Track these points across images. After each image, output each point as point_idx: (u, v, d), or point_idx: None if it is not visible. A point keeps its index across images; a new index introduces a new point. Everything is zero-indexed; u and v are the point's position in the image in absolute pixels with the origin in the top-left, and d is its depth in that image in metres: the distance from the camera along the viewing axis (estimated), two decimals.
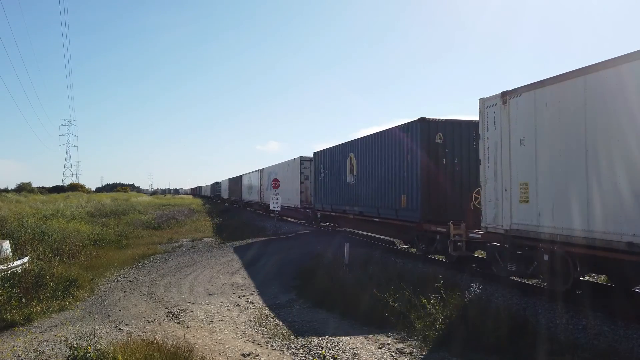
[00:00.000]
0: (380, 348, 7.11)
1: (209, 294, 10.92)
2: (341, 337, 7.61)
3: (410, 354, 6.85)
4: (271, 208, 24.92)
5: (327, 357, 6.70)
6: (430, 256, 13.29)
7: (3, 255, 12.02)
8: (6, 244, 12.79)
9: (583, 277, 8.49)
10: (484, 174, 9.80)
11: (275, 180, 26.07)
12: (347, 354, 6.87)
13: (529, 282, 9.97)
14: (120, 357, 5.52)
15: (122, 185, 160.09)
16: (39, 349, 6.87)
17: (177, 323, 8.56)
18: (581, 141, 7.40)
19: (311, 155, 24.45)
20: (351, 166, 17.75)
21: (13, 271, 10.33)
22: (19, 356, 6.76)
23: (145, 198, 77.77)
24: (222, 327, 8.35)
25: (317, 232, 22.63)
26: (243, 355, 6.86)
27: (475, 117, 10.78)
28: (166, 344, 6.44)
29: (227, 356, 6.83)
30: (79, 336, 6.34)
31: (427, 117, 12.69)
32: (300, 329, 8.11)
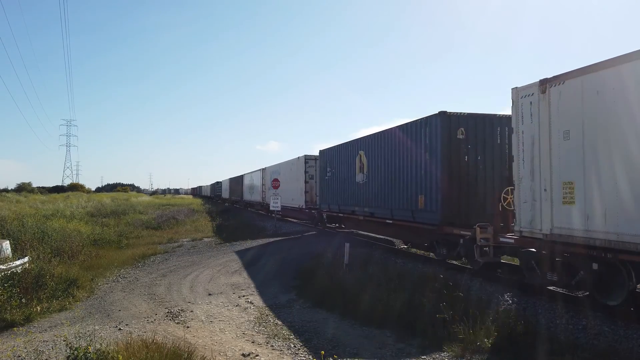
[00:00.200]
0: (380, 348, 7.11)
1: (209, 294, 10.92)
2: (341, 337, 7.61)
3: (410, 353, 6.86)
4: (271, 208, 24.81)
5: (327, 357, 6.69)
6: (452, 262, 12.41)
7: (3, 255, 12.02)
8: (6, 244, 12.80)
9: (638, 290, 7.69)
10: (517, 171, 8.88)
11: (275, 180, 26.02)
12: (347, 354, 6.87)
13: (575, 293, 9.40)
14: (120, 357, 5.52)
15: (122, 185, 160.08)
16: (39, 349, 6.88)
17: (177, 323, 8.56)
18: None
19: (316, 153, 23.70)
20: (361, 164, 16.85)
21: (13, 271, 10.33)
22: (19, 356, 6.76)
23: (145, 198, 77.74)
24: (222, 327, 8.35)
25: (322, 234, 21.96)
26: (243, 355, 6.86)
27: (497, 111, 10.34)
28: (166, 344, 6.43)
29: (227, 356, 6.83)
30: (79, 336, 6.34)
31: (448, 110, 11.70)
32: (300, 329, 8.11)
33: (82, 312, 9.47)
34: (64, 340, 6.40)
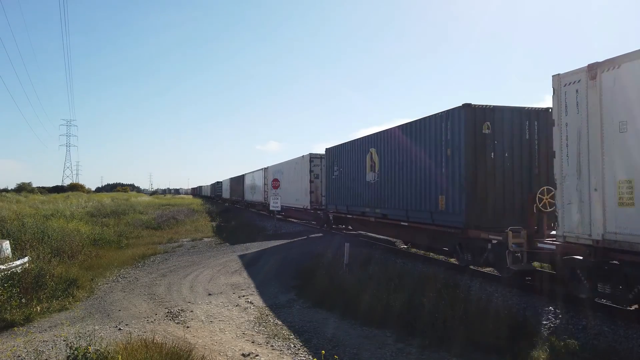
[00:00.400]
0: (380, 348, 7.11)
1: (209, 294, 10.92)
2: (341, 337, 7.61)
3: (410, 353, 6.86)
4: (271, 208, 24.77)
5: (327, 357, 6.69)
6: (476, 269, 11.27)
7: (3, 255, 12.01)
8: (6, 244, 12.79)
9: None
10: (560, 169, 8.04)
11: (275, 180, 25.94)
12: (347, 353, 6.87)
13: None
14: (120, 357, 5.52)
15: (122, 185, 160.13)
16: (39, 349, 6.88)
17: (177, 323, 8.56)
18: None
19: (319, 152, 23.16)
20: (372, 163, 15.88)
21: (13, 271, 10.32)
22: (19, 356, 6.76)
23: (145, 198, 77.76)
24: (222, 327, 8.35)
25: (328, 236, 20.57)
26: (243, 355, 6.86)
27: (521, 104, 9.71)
28: (166, 344, 6.43)
29: (227, 356, 6.83)
30: (79, 336, 6.35)
31: (473, 103, 10.75)
32: (300, 329, 8.11)
33: (82, 312, 9.47)
34: (64, 340, 6.42)
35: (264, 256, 16.20)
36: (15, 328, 8.15)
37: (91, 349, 5.72)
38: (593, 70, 7.39)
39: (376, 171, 15.59)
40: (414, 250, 15.67)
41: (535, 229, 9.41)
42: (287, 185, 27.66)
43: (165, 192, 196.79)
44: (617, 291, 7.20)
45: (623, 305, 7.46)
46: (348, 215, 18.65)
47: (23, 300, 9.30)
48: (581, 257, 7.68)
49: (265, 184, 34.75)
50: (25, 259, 11.44)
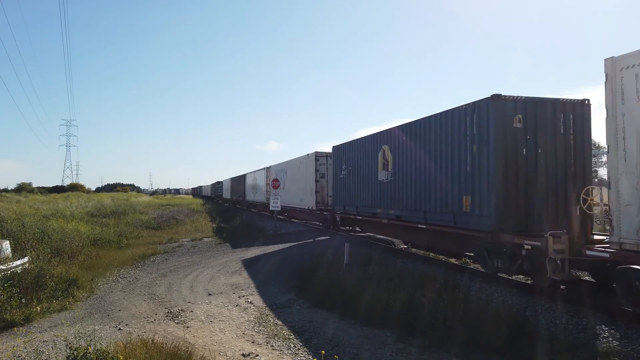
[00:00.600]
0: (380, 348, 7.11)
1: (209, 294, 10.93)
2: (341, 337, 7.61)
3: (410, 353, 6.86)
4: (271, 208, 24.68)
5: (327, 357, 6.70)
6: (507, 276, 10.14)
7: (3, 255, 12.02)
8: (6, 244, 12.80)
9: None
10: (615, 166, 7.22)
11: (275, 180, 25.85)
12: (347, 353, 6.87)
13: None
14: (120, 357, 5.52)
15: (122, 185, 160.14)
16: (39, 349, 6.87)
17: (177, 323, 8.56)
18: None
19: (322, 151, 22.54)
20: (384, 161, 14.97)
21: (13, 271, 10.34)
22: (19, 356, 6.76)
23: (145, 198, 77.77)
24: (222, 327, 8.35)
25: (336, 238, 19.04)
26: (243, 355, 6.86)
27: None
28: (166, 344, 6.44)
29: (227, 356, 6.83)
30: (79, 336, 6.34)
31: (503, 94, 9.83)
32: (300, 329, 8.12)
33: (82, 312, 9.48)
34: (64, 340, 6.41)
35: (264, 256, 16.21)
36: (15, 328, 8.16)
37: (91, 349, 5.71)
38: None
39: (389, 170, 14.65)
40: (414, 250, 15.66)
41: (579, 233, 8.54)
42: (290, 185, 27.02)
43: (165, 192, 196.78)
44: None
45: None
46: (357, 217, 17.64)
47: (23, 300, 9.31)
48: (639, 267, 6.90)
49: (267, 184, 33.98)
50: (25, 259, 11.45)
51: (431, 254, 14.27)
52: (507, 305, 8.38)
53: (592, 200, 8.57)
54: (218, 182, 75.14)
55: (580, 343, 6.68)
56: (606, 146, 7.42)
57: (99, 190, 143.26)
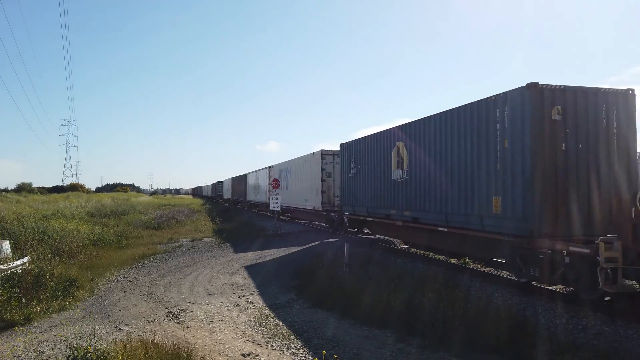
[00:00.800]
0: (380, 348, 7.12)
1: (209, 294, 10.93)
2: (341, 337, 7.62)
3: (410, 353, 6.86)
4: (271, 208, 24.62)
5: (327, 357, 6.70)
6: (542, 286, 9.25)
7: (3, 255, 12.03)
8: (6, 244, 12.80)
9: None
10: None
11: (275, 180, 25.80)
12: (347, 353, 6.87)
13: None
14: (120, 357, 5.52)
15: (122, 185, 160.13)
16: (39, 349, 6.88)
17: (177, 323, 8.57)
18: None
19: (326, 149, 21.67)
20: (399, 159, 14.01)
21: (13, 271, 10.34)
22: (19, 356, 6.76)
23: (145, 198, 77.81)
24: (222, 327, 8.35)
25: (346, 242, 17.98)
26: (243, 355, 6.86)
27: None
28: (166, 344, 6.44)
29: (227, 356, 6.83)
30: (79, 336, 6.34)
31: (540, 82, 8.79)
32: (300, 329, 8.12)
33: (82, 312, 9.48)
34: (64, 341, 6.41)
35: (264, 256, 16.21)
36: (16, 328, 8.16)
37: (91, 349, 5.72)
38: None
39: (404, 168, 13.65)
40: (413, 250, 15.66)
41: (630, 238, 7.69)
42: (294, 184, 26.30)
43: (165, 192, 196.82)
44: None
45: None
46: (368, 218, 16.57)
47: (23, 300, 9.31)
48: None
49: (269, 184, 33.29)
50: (25, 259, 11.45)
51: (431, 254, 14.27)
52: (507, 305, 8.38)
53: None
54: (218, 182, 74.93)
55: (580, 343, 6.69)
56: None
57: (99, 190, 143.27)
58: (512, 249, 9.41)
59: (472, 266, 12.36)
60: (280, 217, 27.88)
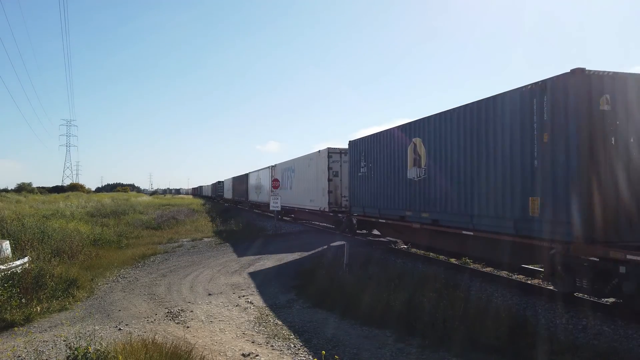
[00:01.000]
0: (380, 348, 7.12)
1: (209, 294, 10.93)
2: (341, 337, 7.62)
3: (410, 353, 6.86)
4: (271, 208, 24.57)
5: (327, 357, 6.70)
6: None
7: (3, 255, 12.02)
8: (6, 244, 12.80)
9: None
10: None
11: (275, 180, 25.77)
12: (347, 353, 6.87)
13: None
14: (120, 357, 5.53)
15: (122, 185, 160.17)
16: (39, 349, 6.88)
17: (177, 323, 8.57)
18: None
19: (330, 147, 20.94)
20: (415, 156, 13.02)
21: (13, 271, 10.33)
22: (19, 356, 6.76)
23: (145, 198, 77.79)
24: (222, 327, 8.36)
25: (357, 245, 16.59)
26: (243, 355, 6.86)
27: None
28: (166, 344, 6.44)
29: (227, 356, 6.83)
30: (79, 336, 6.35)
31: (587, 68, 7.83)
32: (300, 329, 8.12)
33: (82, 312, 9.48)
34: (64, 341, 6.42)
35: (264, 256, 16.21)
36: (15, 328, 8.16)
37: (91, 349, 5.72)
38: None
39: (422, 166, 12.63)
40: (414, 250, 15.66)
41: None
42: (298, 184, 25.69)
43: (165, 192, 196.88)
44: None
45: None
46: (380, 220, 15.53)
47: (23, 300, 9.30)
48: None
49: (271, 184, 33.23)
50: (25, 259, 11.44)
51: (431, 254, 14.26)
52: (507, 305, 8.38)
53: None
54: (219, 182, 74.74)
55: (580, 343, 6.69)
56: None
57: (99, 190, 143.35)
58: (553, 257, 8.35)
59: (472, 266, 12.35)
60: (284, 217, 27.76)
